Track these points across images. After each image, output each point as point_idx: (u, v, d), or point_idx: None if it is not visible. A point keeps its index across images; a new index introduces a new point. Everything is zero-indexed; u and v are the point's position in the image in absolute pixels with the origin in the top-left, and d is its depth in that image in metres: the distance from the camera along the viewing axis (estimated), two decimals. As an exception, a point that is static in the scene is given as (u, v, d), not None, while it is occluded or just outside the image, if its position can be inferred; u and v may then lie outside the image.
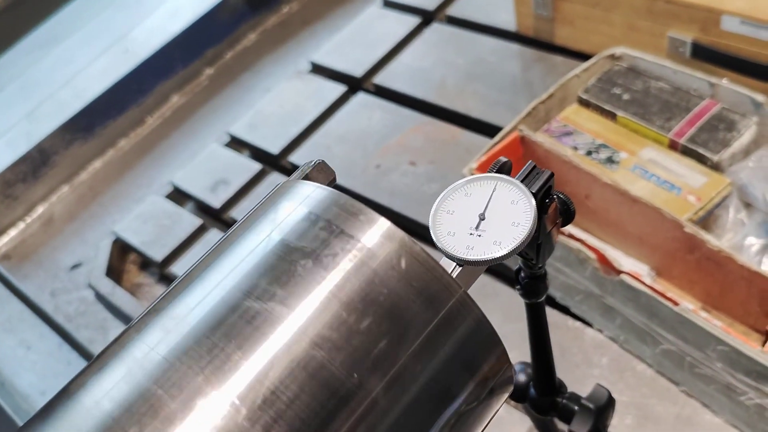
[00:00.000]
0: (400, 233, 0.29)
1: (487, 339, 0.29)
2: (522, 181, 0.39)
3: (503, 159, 0.41)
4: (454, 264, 0.36)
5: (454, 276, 0.36)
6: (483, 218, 0.37)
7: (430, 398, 0.28)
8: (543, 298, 0.49)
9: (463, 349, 0.29)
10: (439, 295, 0.29)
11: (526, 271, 0.47)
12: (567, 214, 0.44)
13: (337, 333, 0.27)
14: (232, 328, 0.26)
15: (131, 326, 0.29)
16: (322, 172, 0.36)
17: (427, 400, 0.28)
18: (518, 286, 0.48)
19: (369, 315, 0.27)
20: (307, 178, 0.35)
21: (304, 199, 0.30)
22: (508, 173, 0.41)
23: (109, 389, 0.27)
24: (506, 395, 0.31)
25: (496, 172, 0.40)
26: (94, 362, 0.28)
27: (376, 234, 0.29)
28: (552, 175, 0.40)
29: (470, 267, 0.36)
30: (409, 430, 0.28)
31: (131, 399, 0.26)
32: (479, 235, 0.37)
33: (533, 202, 0.38)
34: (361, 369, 0.26)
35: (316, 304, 0.27)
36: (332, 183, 0.36)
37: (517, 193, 0.38)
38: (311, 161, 0.37)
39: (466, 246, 0.36)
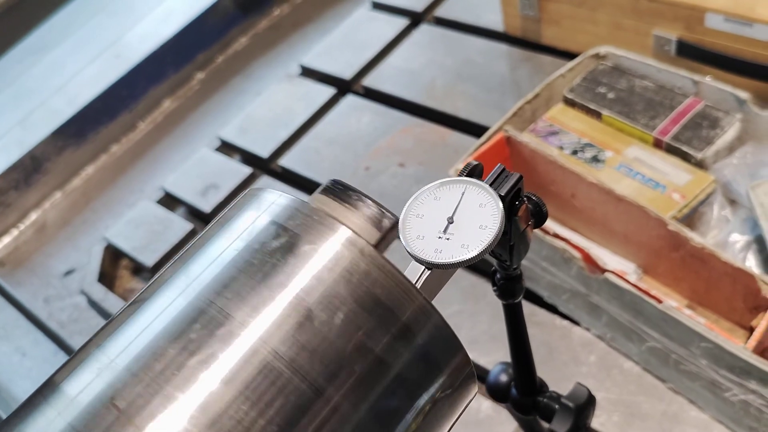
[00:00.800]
0: (362, 241, 0.29)
1: (448, 344, 0.30)
2: (491, 185, 0.39)
3: (474, 162, 0.42)
4: (423, 267, 0.36)
5: (423, 279, 0.36)
6: (451, 222, 0.38)
7: (392, 404, 0.28)
8: (519, 298, 0.49)
9: (424, 354, 0.29)
10: (400, 302, 0.29)
11: (502, 272, 0.47)
12: (539, 216, 0.44)
13: (296, 341, 0.27)
14: (190, 340, 0.27)
15: (96, 335, 0.29)
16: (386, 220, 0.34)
17: (388, 405, 0.28)
18: (495, 288, 0.49)
19: (329, 322, 0.28)
20: (385, 234, 0.33)
21: (268, 206, 0.31)
22: (479, 177, 0.41)
23: (74, 397, 0.27)
24: (470, 397, 0.32)
25: (466, 176, 0.41)
26: (57, 373, 0.29)
27: (337, 242, 0.29)
28: (521, 177, 0.40)
29: (439, 270, 0.36)
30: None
31: (93, 409, 0.26)
32: (447, 239, 0.37)
33: (500, 205, 0.38)
34: (321, 375, 0.27)
35: (276, 313, 0.27)
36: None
37: (485, 197, 0.38)
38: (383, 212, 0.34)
39: (435, 249, 0.37)
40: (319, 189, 0.34)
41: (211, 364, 0.26)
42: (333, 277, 0.28)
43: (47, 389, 0.28)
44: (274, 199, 0.31)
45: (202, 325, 0.27)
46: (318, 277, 0.28)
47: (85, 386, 0.27)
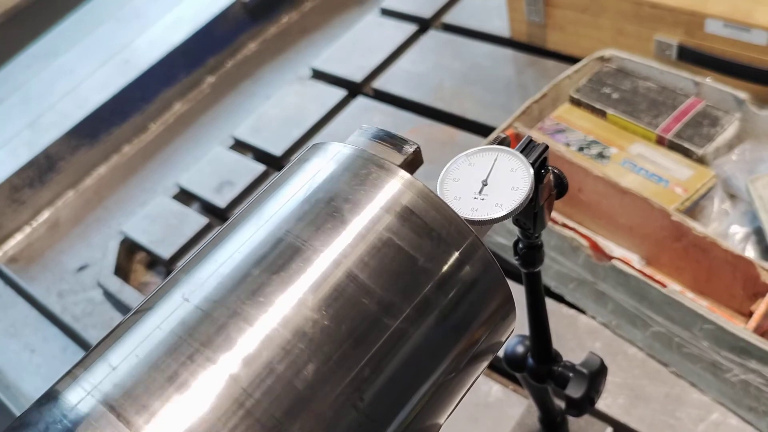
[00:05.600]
0: (419, 183, 0.33)
1: (495, 276, 0.33)
2: (521, 152, 0.43)
3: (503, 135, 0.45)
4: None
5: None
6: (486, 184, 0.41)
7: (447, 326, 0.31)
8: (539, 267, 0.53)
9: (476, 283, 0.32)
10: (455, 237, 0.32)
11: (524, 241, 0.51)
12: (561, 187, 0.48)
13: (366, 269, 0.30)
14: (273, 262, 0.30)
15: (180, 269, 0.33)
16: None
17: (445, 327, 0.31)
18: (517, 257, 0.52)
19: (394, 253, 0.31)
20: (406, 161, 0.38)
21: (333, 155, 0.34)
22: (508, 147, 0.45)
23: (160, 323, 0.30)
24: (511, 326, 0.35)
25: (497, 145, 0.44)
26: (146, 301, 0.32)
27: (398, 183, 0.33)
28: (547, 147, 0.44)
29: (475, 227, 0.40)
30: (426, 357, 0.31)
31: (190, 323, 0.30)
32: (482, 199, 0.40)
33: (531, 170, 0.41)
34: (386, 301, 0.30)
35: (347, 243, 0.31)
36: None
37: (517, 162, 0.42)
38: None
39: (471, 208, 0.40)
40: (366, 135, 0.37)
41: (294, 282, 0.30)
42: (396, 213, 0.32)
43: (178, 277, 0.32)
44: (338, 149, 0.34)
45: (283, 249, 0.30)
46: (382, 214, 0.32)
47: (201, 285, 0.31)
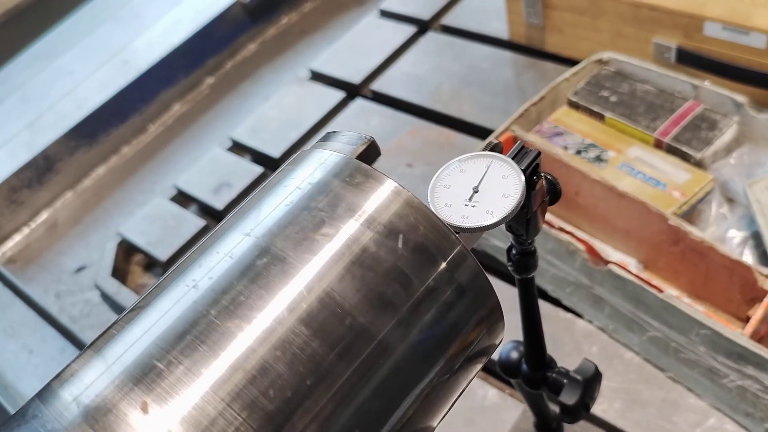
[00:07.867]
0: (407, 192, 0.33)
1: (482, 286, 0.33)
2: (512, 159, 0.43)
3: (495, 141, 0.45)
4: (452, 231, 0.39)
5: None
6: (477, 191, 0.41)
7: (435, 336, 0.31)
8: (533, 273, 0.53)
9: (463, 293, 0.32)
10: (443, 247, 0.32)
11: (517, 247, 0.50)
12: (554, 193, 0.47)
13: (353, 279, 0.30)
14: (256, 274, 0.30)
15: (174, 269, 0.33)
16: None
17: (432, 337, 0.31)
18: (510, 263, 0.52)
19: (380, 263, 0.31)
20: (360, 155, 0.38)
21: (320, 163, 0.34)
22: (500, 153, 0.45)
23: (166, 311, 0.30)
24: (500, 336, 0.35)
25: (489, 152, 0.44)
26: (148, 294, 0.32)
27: (385, 192, 0.32)
28: (539, 153, 0.43)
29: (466, 234, 0.40)
30: (413, 367, 0.31)
31: (182, 324, 0.29)
32: (473, 206, 0.40)
33: (522, 177, 0.41)
34: (372, 311, 0.30)
35: (333, 253, 0.31)
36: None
37: (508, 169, 0.42)
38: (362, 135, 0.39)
39: (462, 215, 0.40)
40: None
41: (274, 295, 0.29)
42: (383, 222, 0.31)
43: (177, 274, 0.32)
44: (326, 157, 0.34)
45: (267, 261, 0.30)
46: (369, 222, 0.31)
47: (183, 296, 0.31)
